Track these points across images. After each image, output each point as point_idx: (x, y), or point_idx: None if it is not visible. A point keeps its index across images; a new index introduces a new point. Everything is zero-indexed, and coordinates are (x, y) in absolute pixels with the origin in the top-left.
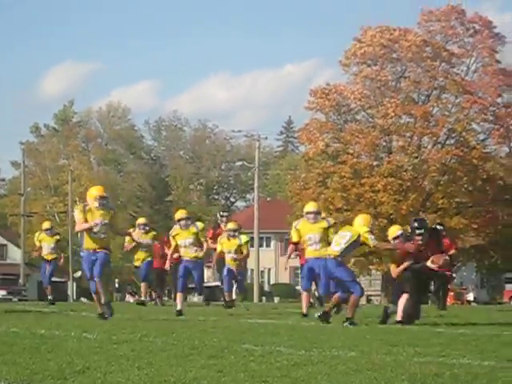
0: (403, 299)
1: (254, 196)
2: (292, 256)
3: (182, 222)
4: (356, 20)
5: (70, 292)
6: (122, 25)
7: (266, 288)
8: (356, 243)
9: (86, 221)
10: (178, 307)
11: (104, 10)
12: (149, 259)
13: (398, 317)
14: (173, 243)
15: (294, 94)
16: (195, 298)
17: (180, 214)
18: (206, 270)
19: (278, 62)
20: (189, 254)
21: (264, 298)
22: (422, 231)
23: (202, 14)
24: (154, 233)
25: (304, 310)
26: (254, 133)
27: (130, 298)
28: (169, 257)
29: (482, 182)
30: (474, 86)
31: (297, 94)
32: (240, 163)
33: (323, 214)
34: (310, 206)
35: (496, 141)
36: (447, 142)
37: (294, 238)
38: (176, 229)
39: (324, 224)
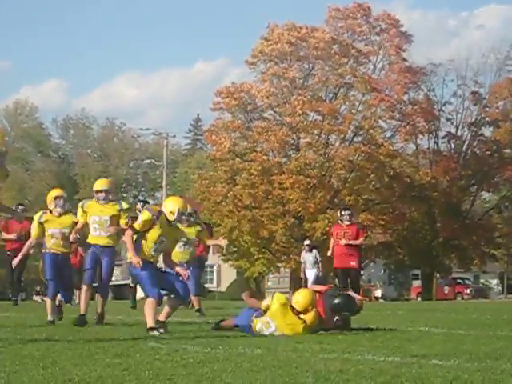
0: None
1: (162, 194)
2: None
3: (101, 195)
4: (265, 18)
5: None
6: (31, 22)
7: None
8: None
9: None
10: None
11: (13, 7)
12: None
13: None
14: (81, 219)
15: (204, 92)
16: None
17: (101, 183)
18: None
19: (188, 61)
20: (101, 237)
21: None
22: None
23: (113, 13)
24: None
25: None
26: (162, 131)
27: (37, 298)
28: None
29: (389, 179)
30: (381, 83)
31: (207, 92)
32: (148, 161)
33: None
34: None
35: (403, 138)
36: (355, 140)
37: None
38: (90, 202)
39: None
